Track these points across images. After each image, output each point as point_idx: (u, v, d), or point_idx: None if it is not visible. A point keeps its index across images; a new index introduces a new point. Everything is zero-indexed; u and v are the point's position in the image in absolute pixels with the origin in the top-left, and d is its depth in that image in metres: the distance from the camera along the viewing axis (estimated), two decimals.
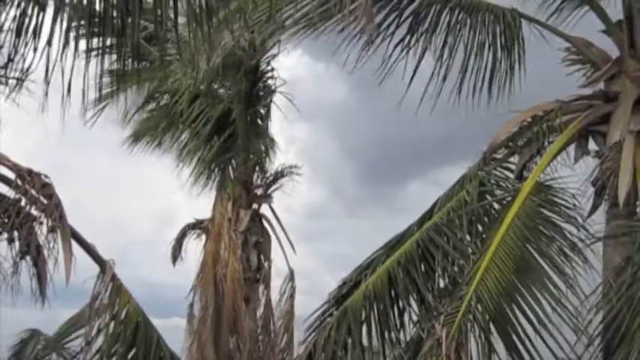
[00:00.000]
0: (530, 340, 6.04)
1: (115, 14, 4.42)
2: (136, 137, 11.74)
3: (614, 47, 7.34)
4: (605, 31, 7.42)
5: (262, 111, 11.41)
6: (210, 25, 4.61)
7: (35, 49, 4.32)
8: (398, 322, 6.90)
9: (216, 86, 11.44)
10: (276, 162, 11.52)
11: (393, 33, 7.50)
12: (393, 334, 6.84)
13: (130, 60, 4.80)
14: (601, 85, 7.32)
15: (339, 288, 7.42)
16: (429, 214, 7.36)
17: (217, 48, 7.10)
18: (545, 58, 8.11)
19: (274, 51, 10.66)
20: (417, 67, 7.54)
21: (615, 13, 7.32)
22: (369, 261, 7.42)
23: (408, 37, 7.52)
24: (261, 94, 11.31)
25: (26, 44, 4.35)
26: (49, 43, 4.27)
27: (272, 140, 11.54)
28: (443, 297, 6.62)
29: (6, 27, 4.36)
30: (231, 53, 10.00)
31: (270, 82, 11.29)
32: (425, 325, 6.51)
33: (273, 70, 11.21)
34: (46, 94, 4.16)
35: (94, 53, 4.54)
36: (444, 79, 7.66)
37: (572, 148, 7.15)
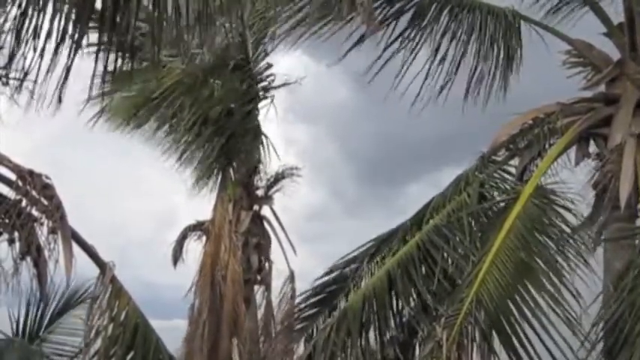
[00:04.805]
0: (530, 343, 6.03)
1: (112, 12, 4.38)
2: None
3: (615, 50, 7.34)
4: (606, 33, 7.41)
5: (259, 111, 11.33)
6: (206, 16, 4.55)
7: (35, 49, 4.30)
8: (397, 324, 6.90)
9: (213, 85, 11.27)
10: (275, 163, 11.47)
11: (398, 36, 7.53)
12: (392, 335, 6.85)
13: (128, 59, 4.77)
14: (602, 88, 7.32)
15: (324, 275, 7.56)
16: (422, 212, 7.37)
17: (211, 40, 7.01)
18: (546, 61, 8.11)
19: (269, 48, 10.59)
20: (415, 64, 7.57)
21: (616, 14, 7.33)
22: (357, 253, 7.49)
23: (408, 33, 7.56)
24: (260, 93, 11.24)
25: (26, 43, 4.33)
26: (46, 40, 4.25)
27: (266, 141, 11.42)
28: (443, 299, 6.61)
29: (6, 28, 4.34)
30: (225, 50, 9.93)
31: (267, 80, 11.20)
32: (422, 325, 6.52)
33: (270, 66, 11.12)
34: (44, 93, 4.14)
35: (92, 52, 4.52)
36: (444, 80, 7.68)
37: (573, 151, 7.15)
